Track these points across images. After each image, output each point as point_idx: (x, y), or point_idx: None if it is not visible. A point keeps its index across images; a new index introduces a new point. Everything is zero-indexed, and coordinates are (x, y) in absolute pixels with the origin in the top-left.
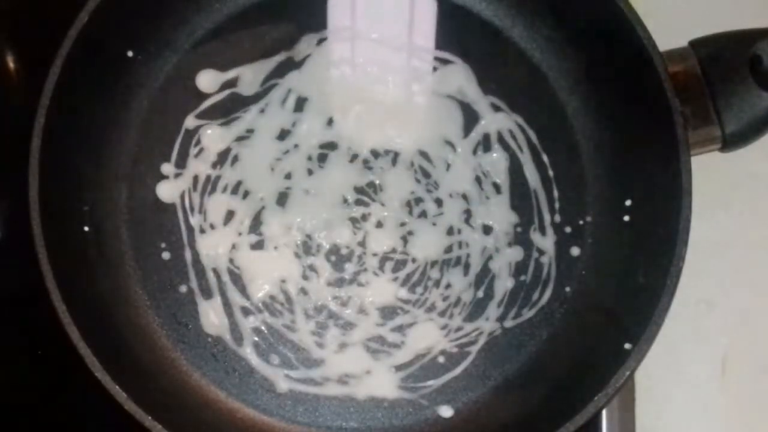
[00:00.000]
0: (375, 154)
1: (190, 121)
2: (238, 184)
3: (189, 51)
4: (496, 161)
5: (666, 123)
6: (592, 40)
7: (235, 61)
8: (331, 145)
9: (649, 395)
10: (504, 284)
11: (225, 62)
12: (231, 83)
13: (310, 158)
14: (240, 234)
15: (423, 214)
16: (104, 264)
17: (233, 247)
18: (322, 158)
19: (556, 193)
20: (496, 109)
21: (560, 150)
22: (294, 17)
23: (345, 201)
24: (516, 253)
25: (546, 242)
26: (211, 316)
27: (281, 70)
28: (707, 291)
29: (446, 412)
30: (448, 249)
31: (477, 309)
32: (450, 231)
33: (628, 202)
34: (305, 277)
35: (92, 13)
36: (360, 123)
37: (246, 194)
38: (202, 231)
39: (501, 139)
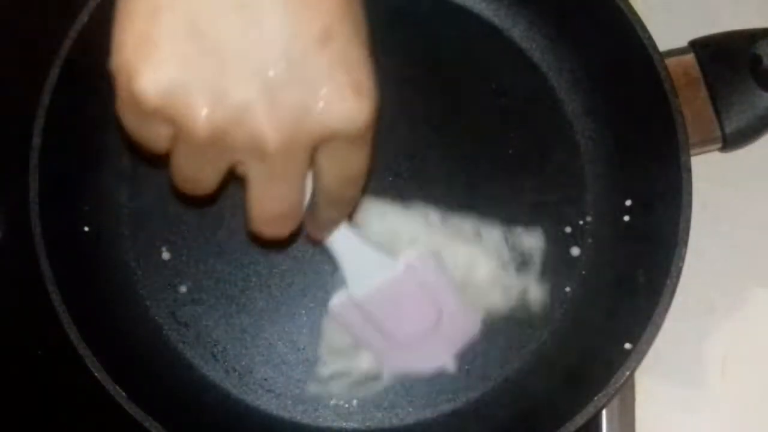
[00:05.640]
0: None
1: None
2: None
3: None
4: None
5: (666, 123)
6: (592, 40)
7: None
8: None
9: (649, 395)
10: None
11: None
12: None
13: None
14: None
15: None
16: (104, 264)
17: None
18: None
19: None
20: None
21: (560, 150)
22: None
23: None
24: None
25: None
26: None
27: None
28: (707, 291)
29: (446, 411)
30: None
31: None
32: None
33: (628, 202)
34: None
35: (92, 13)
36: None
37: None
38: None
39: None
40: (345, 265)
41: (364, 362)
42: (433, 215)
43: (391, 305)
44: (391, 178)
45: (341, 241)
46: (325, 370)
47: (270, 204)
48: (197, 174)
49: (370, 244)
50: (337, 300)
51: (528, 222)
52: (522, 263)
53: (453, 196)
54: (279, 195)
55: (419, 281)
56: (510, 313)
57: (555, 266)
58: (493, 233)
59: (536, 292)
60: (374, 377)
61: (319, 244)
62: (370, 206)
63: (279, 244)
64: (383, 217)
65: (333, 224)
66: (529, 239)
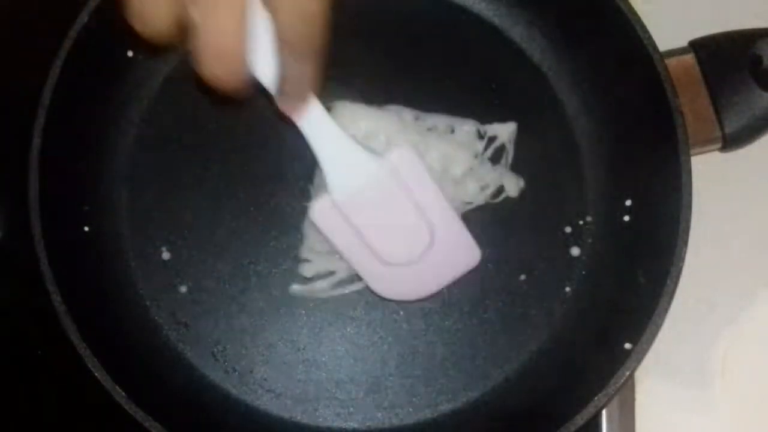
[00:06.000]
0: None
1: None
2: None
3: (189, 51)
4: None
5: (666, 123)
6: (592, 40)
7: None
8: None
9: (649, 395)
10: None
11: None
12: None
13: None
14: None
15: None
16: (104, 264)
17: None
18: None
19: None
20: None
21: (560, 150)
22: None
23: None
24: None
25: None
26: None
27: None
28: (707, 291)
29: (446, 411)
30: None
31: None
32: None
33: (628, 202)
34: None
35: (92, 13)
36: None
37: None
38: None
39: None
40: (326, 165)
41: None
42: (407, 114)
43: (373, 210)
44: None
45: (322, 137)
46: (308, 270)
47: (214, 37)
48: (151, 9)
49: (352, 141)
50: (318, 204)
51: (501, 117)
52: (495, 155)
53: (425, 98)
54: (222, 25)
55: (402, 183)
56: (486, 204)
57: (555, 266)
58: (465, 128)
59: (511, 182)
60: (358, 277)
61: (291, 122)
62: (344, 110)
63: (232, 102)
64: (358, 119)
65: (301, 87)
66: (502, 131)
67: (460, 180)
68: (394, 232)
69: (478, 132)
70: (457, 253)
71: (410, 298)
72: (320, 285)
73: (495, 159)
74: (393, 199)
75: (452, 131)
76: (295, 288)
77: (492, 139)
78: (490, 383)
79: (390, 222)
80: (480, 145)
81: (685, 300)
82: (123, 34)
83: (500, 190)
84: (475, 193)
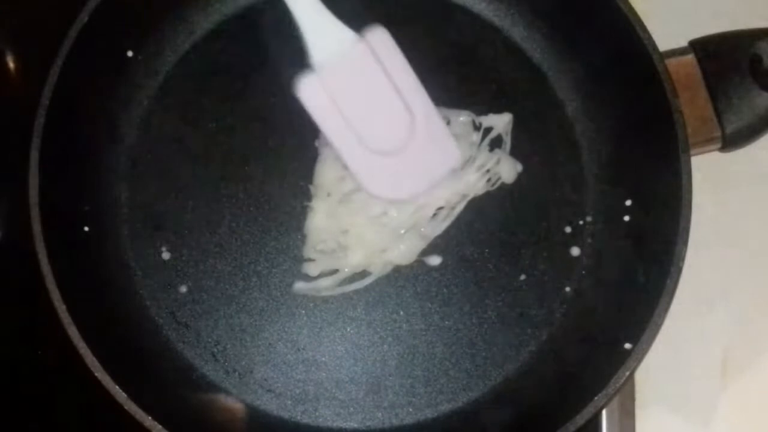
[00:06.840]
0: None
1: None
2: None
3: (189, 51)
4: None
5: (666, 123)
6: (592, 40)
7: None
8: None
9: (649, 395)
10: None
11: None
12: None
13: None
14: None
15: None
16: (104, 264)
17: None
18: None
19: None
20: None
21: (560, 150)
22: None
23: None
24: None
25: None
26: None
27: None
28: (707, 291)
29: (446, 411)
30: None
31: None
32: None
33: (628, 202)
34: None
35: (92, 13)
36: None
37: None
38: None
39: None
40: (306, 29)
41: (352, 259)
42: None
43: (354, 86)
44: None
45: (302, 3)
46: (313, 269)
47: None
48: None
49: (330, 13)
50: (304, 80)
51: (496, 109)
52: (492, 143)
53: None
54: None
55: (379, 61)
56: (486, 191)
57: (555, 266)
58: (461, 119)
59: (508, 165)
60: (362, 274)
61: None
62: None
63: None
64: None
65: None
66: (497, 122)
67: (459, 171)
68: (376, 113)
69: (474, 123)
70: (438, 149)
71: (396, 196)
72: (325, 282)
73: (492, 146)
74: (372, 75)
75: (448, 123)
76: (300, 285)
77: (488, 130)
78: (490, 383)
79: (371, 101)
80: (476, 137)
81: (685, 300)
82: (123, 34)
83: (499, 176)
84: (476, 181)
